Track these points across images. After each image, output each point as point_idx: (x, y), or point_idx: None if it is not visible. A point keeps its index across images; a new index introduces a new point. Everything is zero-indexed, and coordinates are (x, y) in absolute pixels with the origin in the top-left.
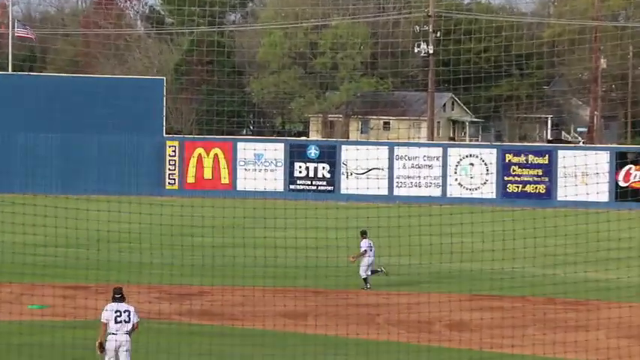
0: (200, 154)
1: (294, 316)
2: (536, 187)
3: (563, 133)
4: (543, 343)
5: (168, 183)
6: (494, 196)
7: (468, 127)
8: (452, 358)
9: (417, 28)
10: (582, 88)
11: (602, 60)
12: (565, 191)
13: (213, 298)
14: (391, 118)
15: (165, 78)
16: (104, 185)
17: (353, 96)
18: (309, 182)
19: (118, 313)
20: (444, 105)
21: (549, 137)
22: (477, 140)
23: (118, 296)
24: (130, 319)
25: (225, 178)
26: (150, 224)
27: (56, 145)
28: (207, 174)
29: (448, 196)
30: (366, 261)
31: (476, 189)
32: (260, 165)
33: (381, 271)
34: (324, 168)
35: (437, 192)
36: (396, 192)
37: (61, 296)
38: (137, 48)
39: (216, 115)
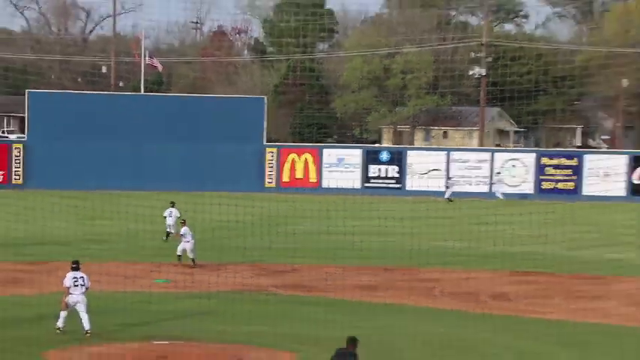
0: (293, 159)
1: (368, 289)
2: (566, 185)
3: (589, 140)
4: (568, 310)
5: (268, 182)
6: (532, 192)
7: (512, 136)
8: (494, 323)
9: (472, 54)
10: (607, 103)
11: (623, 80)
12: (590, 188)
13: (303, 274)
14: (449, 128)
15: (266, 97)
16: (218, 184)
17: (418, 110)
18: (381, 181)
19: (75, 279)
20: (493, 117)
21: (578, 143)
22: (519, 146)
23: (75, 266)
24: (84, 282)
25: (313, 178)
26: (252, 215)
27: (180, 153)
28: (299, 174)
29: (494, 191)
30: (189, 245)
31: (517, 186)
32: (342, 167)
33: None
34: (393, 169)
35: (485, 189)
36: (452, 188)
37: (181, 273)
38: (244, 72)
39: (307, 127)
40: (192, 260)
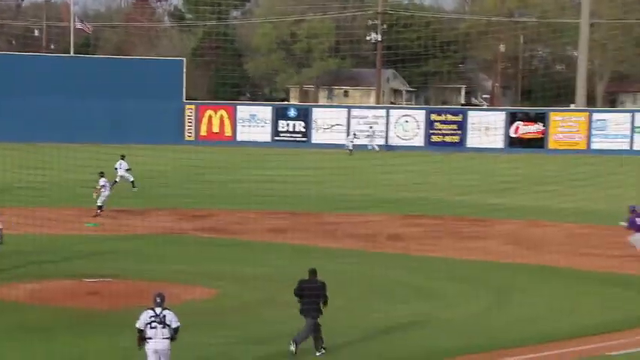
0: (210, 115)
1: (277, 231)
2: (452, 138)
3: (472, 98)
4: (454, 249)
5: (187, 135)
6: (423, 145)
7: (404, 95)
8: (390, 260)
9: (369, 22)
10: (487, 66)
11: (501, 45)
12: (473, 141)
13: (219, 218)
14: (349, 88)
15: (184, 59)
16: (142, 137)
17: (322, 72)
18: (290, 135)
19: None
20: (388, 78)
21: (462, 102)
22: (411, 104)
23: None
24: None
25: (228, 132)
26: (174, 165)
27: (107, 108)
28: (216, 129)
29: (389, 144)
30: (106, 194)
31: (409, 139)
32: (254, 122)
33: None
34: (300, 124)
35: (381, 141)
36: (354, 142)
37: (109, 217)
38: (164, 37)
39: (222, 86)
40: (100, 208)
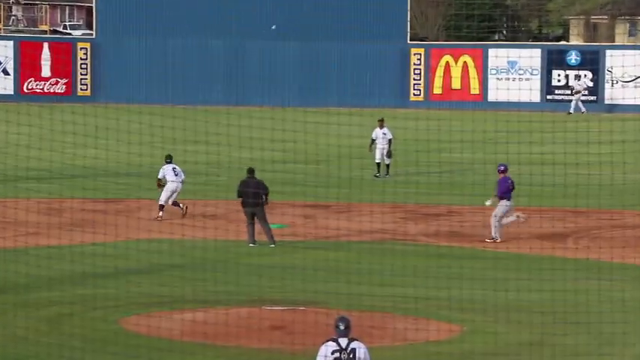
0: (448, 62)
1: (552, 239)
2: None
3: None
4: None
5: (413, 94)
6: None
7: None
8: None
9: None
10: None
11: None
12: None
13: (463, 219)
14: None
15: None
16: (344, 97)
17: None
18: (569, 92)
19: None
20: None
21: None
22: None
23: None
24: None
25: (475, 89)
26: (395, 140)
27: (295, 55)
28: (456, 84)
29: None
30: (170, 186)
31: None
32: (514, 73)
33: (182, 207)
34: (585, 76)
35: None
36: None
37: (301, 215)
38: None
39: (465, 20)
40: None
